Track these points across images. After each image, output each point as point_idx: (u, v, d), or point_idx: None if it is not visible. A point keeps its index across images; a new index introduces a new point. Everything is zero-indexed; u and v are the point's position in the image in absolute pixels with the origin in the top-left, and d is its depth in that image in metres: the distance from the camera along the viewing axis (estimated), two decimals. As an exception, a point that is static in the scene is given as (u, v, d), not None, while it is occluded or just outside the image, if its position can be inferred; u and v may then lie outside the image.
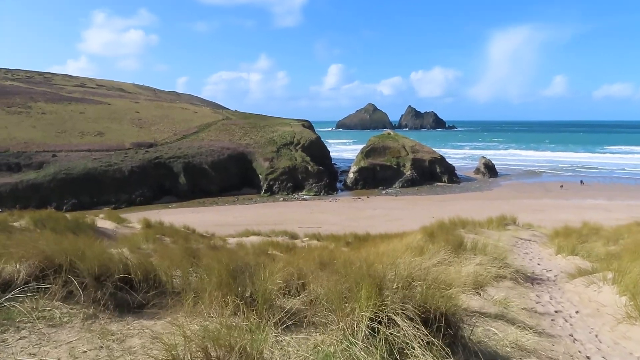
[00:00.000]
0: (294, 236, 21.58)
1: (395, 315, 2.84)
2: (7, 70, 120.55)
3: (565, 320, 4.62)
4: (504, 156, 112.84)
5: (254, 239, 19.46)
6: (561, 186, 65.51)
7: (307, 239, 21.33)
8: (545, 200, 54.72)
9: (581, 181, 70.37)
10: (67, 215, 17.54)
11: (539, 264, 8.03)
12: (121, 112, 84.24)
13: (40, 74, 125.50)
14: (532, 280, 6.34)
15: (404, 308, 2.88)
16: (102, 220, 17.85)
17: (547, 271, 7.26)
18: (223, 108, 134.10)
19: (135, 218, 20.90)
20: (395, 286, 4.40)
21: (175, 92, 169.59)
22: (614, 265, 5.95)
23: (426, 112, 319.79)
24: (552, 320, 4.59)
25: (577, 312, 4.87)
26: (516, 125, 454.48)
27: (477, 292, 4.65)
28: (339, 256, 8.01)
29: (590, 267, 6.49)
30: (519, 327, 3.95)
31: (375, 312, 2.84)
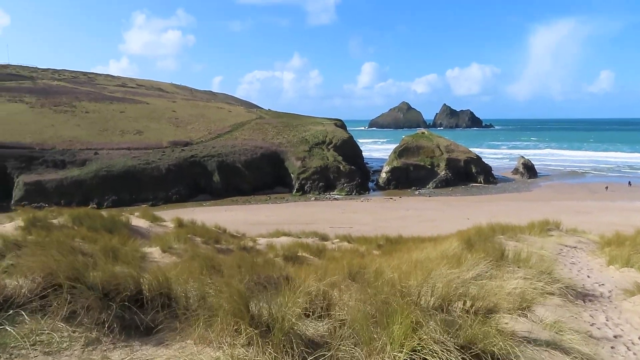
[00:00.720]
0: (324, 237, 21.20)
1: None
2: (54, 71, 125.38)
3: (628, 348, 4.05)
4: (544, 156, 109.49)
5: (284, 239, 19.16)
6: (606, 187, 62.81)
7: (338, 240, 20.92)
8: (588, 202, 52.60)
9: (629, 182, 67.42)
10: (104, 213, 17.66)
11: (588, 277, 7.36)
12: (159, 111, 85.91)
13: (85, 74, 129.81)
14: (583, 296, 5.74)
15: (446, 349, 2.41)
16: (137, 219, 17.89)
17: (599, 285, 6.61)
18: (257, 107, 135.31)
19: (171, 216, 20.98)
20: (432, 307, 3.94)
21: (211, 91, 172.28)
22: (679, 283, 5.30)
23: (462, 110, 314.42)
24: (611, 347, 4.04)
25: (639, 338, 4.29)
26: (558, 123, 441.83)
27: (524, 313, 4.13)
28: (369, 263, 7.56)
29: (651, 282, 5.83)
30: (575, 358, 3.42)
31: (411, 356, 2.38)
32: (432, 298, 4.07)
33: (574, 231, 15.46)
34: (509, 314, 4.07)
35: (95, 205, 51.48)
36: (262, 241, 18.73)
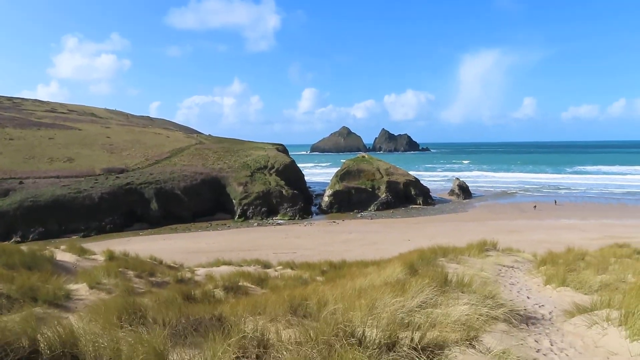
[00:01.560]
0: (267, 265, 20.67)
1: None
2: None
3: (575, 376, 3.99)
4: (477, 177, 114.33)
5: (224, 269, 18.48)
6: (535, 206, 66.16)
7: (281, 267, 20.45)
8: (520, 221, 54.99)
9: (555, 201, 71.31)
10: (25, 247, 16.35)
11: (528, 298, 7.42)
12: (92, 137, 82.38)
13: (9, 99, 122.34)
14: (526, 319, 5.70)
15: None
16: (62, 253, 16.70)
17: (539, 307, 6.64)
18: (196, 132, 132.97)
19: (103, 247, 19.83)
20: (378, 344, 3.69)
21: (149, 116, 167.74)
22: (616, 302, 5.37)
23: (400, 134, 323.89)
24: (559, 376, 3.95)
25: (585, 364, 4.24)
26: (488, 146, 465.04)
27: (472, 344, 3.98)
28: (312, 293, 7.27)
29: (589, 302, 5.89)
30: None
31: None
32: (378, 333, 3.84)
33: (509, 250, 15.89)
34: (457, 345, 3.90)
35: (19, 239, 48.12)
36: (201, 271, 17.97)
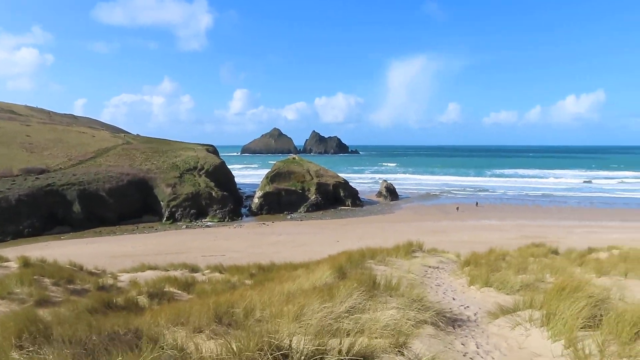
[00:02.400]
0: (194, 269, 19.94)
1: None
2: None
3: (501, 379, 3.99)
4: (404, 179, 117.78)
5: (149, 274, 17.62)
6: (457, 208, 69.05)
7: (209, 271, 19.80)
8: (444, 222, 57.11)
9: (476, 203, 74.83)
10: None
11: (454, 299, 7.53)
12: (9, 135, 76.24)
13: None
14: (453, 322, 5.73)
15: None
16: (-33, 261, 15.25)
17: (465, 308, 6.74)
18: (124, 132, 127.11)
19: (19, 253, 18.35)
20: (306, 356, 3.48)
21: (73, 114, 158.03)
22: (537, 302, 5.52)
23: (330, 137, 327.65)
24: (486, 380, 3.94)
25: (511, 367, 4.27)
26: (415, 149, 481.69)
27: (401, 351, 3.88)
28: (239, 299, 6.96)
29: (512, 302, 6.03)
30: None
31: None
32: (306, 342, 3.63)
33: (435, 251, 16.31)
34: (387, 353, 3.78)
35: None
36: (125, 277, 17.04)
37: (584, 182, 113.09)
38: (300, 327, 4.60)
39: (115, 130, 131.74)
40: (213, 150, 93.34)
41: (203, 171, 73.08)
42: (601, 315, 4.49)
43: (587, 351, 3.89)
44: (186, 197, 64.47)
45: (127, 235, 53.01)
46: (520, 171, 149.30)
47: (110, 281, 15.54)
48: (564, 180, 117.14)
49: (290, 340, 3.57)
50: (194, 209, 63.72)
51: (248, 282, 15.41)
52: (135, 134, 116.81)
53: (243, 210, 71.71)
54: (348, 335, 4.29)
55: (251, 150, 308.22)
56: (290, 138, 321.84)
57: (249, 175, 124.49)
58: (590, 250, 17.33)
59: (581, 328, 4.41)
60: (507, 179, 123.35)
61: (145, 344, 3.71)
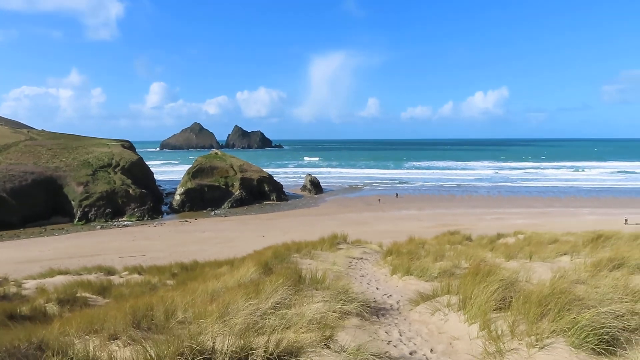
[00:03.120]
0: (111, 271, 19.00)
1: None
2: None
3: (423, 365, 4.15)
4: (328, 173, 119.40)
5: (60, 279, 16.54)
6: (379, 200, 71.11)
7: (127, 272, 18.96)
8: (367, 214, 58.59)
9: (396, 194, 77.43)
10: None
11: (377, 289, 7.74)
12: None
13: None
14: (377, 311, 5.89)
15: None
16: None
17: (388, 297, 6.94)
18: (27, 127, 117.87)
19: None
20: (230, 356, 3.41)
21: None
22: (454, 288, 5.80)
23: (253, 131, 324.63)
24: (409, 366, 4.07)
25: (431, 351, 4.44)
26: (337, 143, 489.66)
27: (327, 344, 3.91)
28: (159, 301, 6.70)
29: (431, 289, 6.29)
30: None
31: None
32: (231, 342, 3.56)
33: (358, 242, 16.70)
34: (313, 347, 3.79)
35: None
36: (31, 284, 15.87)
37: (494, 172, 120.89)
38: (224, 327, 4.51)
39: (16, 125, 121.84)
40: (129, 145, 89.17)
41: (119, 168, 69.67)
42: (511, 297, 4.79)
43: (499, 331, 4.14)
44: (100, 196, 61.23)
45: (34, 239, 49.34)
46: (436, 163, 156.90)
47: (13, 289, 14.44)
48: (475, 171, 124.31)
49: (214, 342, 3.48)
50: (110, 208, 60.70)
51: (170, 282, 14.91)
52: (40, 129, 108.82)
53: (164, 208, 69.27)
54: (275, 331, 4.26)
55: (171, 146, 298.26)
56: (212, 133, 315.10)
57: (170, 172, 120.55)
58: (499, 235, 18.52)
59: (494, 310, 4.69)
60: (424, 170, 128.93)
61: (50, 356, 3.46)
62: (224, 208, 68.69)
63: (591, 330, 3.65)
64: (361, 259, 11.93)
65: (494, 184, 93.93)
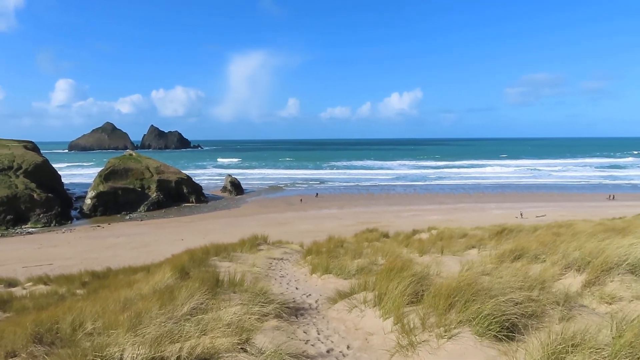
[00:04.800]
0: (12, 283, 17.56)
1: None
2: None
3: (339, 362, 4.22)
4: (249, 174, 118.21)
5: (-50, 294, 15.01)
6: (301, 200, 71.50)
7: (32, 283, 17.62)
8: (288, 214, 58.69)
9: (316, 194, 78.28)
10: None
11: (297, 289, 7.78)
12: None
13: None
14: (296, 311, 5.92)
15: None
16: None
17: (307, 297, 7.00)
18: None
19: None
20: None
21: None
22: (370, 284, 5.95)
23: (170, 131, 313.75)
24: (326, 364, 4.13)
25: (348, 348, 4.53)
26: (258, 143, 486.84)
27: (244, 348, 3.87)
28: (67, 312, 6.29)
29: (349, 286, 6.42)
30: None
31: None
32: (143, 352, 3.42)
33: (279, 243, 16.70)
34: (229, 352, 3.74)
35: None
36: None
37: (410, 171, 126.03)
38: (136, 337, 4.33)
39: None
40: (33, 147, 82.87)
41: (21, 171, 64.55)
42: (423, 290, 5.01)
43: (411, 325, 4.31)
44: (0, 202, 56.46)
45: None
46: (355, 162, 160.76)
47: None
48: (392, 171, 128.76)
49: (122, 353, 3.32)
50: (12, 215, 56.10)
51: (80, 292, 14.05)
52: None
53: (73, 213, 65.06)
54: (190, 338, 4.15)
55: (81, 147, 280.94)
56: (126, 133, 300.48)
57: (80, 175, 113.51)
58: (415, 232, 19.33)
59: (407, 304, 4.88)
60: (344, 170, 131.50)
61: None
62: (140, 211, 65.85)
63: (493, 319, 3.91)
64: (282, 259, 11.94)
65: (410, 183, 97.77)
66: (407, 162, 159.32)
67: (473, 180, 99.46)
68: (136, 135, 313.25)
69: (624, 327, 3.32)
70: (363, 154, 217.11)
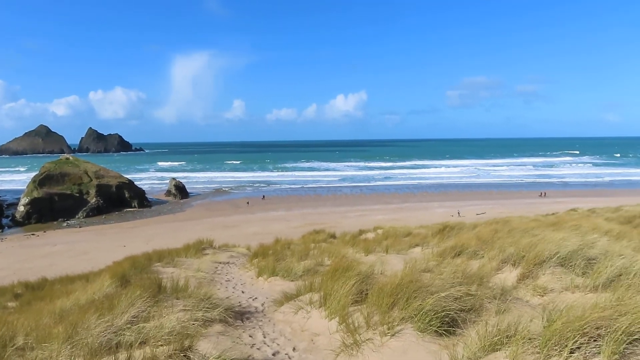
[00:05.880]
0: None
1: None
2: None
3: (285, 364, 4.21)
4: (194, 177, 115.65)
5: None
6: (247, 202, 70.79)
7: (-44, 298, 16.45)
8: (235, 217, 57.96)
9: (263, 196, 77.74)
10: None
11: (243, 292, 7.70)
12: None
13: None
14: (241, 315, 5.84)
15: None
16: None
17: (253, 300, 6.94)
18: None
19: None
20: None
21: None
22: (316, 285, 5.98)
23: (110, 134, 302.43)
24: (271, 367, 4.11)
25: (294, 350, 4.53)
26: (203, 146, 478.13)
27: (186, 355, 3.78)
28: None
29: (295, 288, 6.42)
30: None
31: None
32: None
33: (226, 246, 16.46)
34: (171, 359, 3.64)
35: None
36: None
37: (356, 172, 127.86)
38: (73, 349, 4.15)
39: None
40: (-42, 152, 77.76)
41: (-55, 178, 60.43)
42: (367, 289, 5.09)
43: (356, 324, 4.36)
44: None
45: None
46: (301, 164, 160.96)
47: None
48: (338, 172, 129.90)
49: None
50: None
51: (12, 304, 13.26)
52: None
53: (4, 221, 61.33)
54: (130, 348, 4.01)
55: (12, 151, 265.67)
56: (62, 136, 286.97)
57: (11, 181, 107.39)
58: (361, 232, 19.59)
59: (352, 304, 4.94)
60: (291, 172, 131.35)
61: None
62: (79, 218, 63.06)
63: (434, 315, 4.03)
64: (228, 263, 11.78)
65: (357, 184, 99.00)
66: (353, 164, 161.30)
67: (418, 181, 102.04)
68: (73, 139, 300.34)
69: (554, 317, 3.50)
70: (310, 156, 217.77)
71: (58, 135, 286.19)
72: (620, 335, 3.10)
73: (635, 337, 3.13)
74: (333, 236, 18.75)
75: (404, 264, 6.75)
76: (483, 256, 7.31)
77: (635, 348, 3.13)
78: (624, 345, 3.09)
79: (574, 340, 3.15)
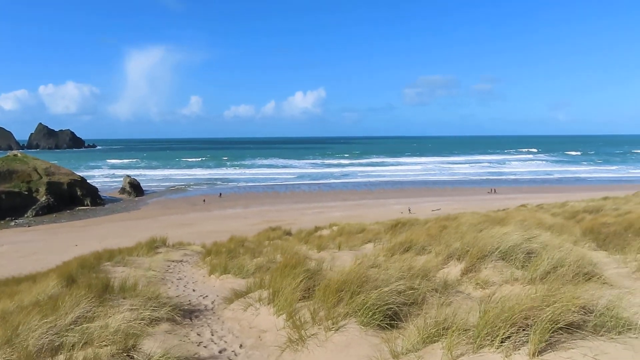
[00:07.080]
0: None
1: None
2: None
3: (231, 361, 4.24)
4: (149, 174, 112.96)
5: None
6: (204, 200, 69.76)
7: None
8: (191, 215, 57.09)
9: (220, 194, 76.84)
10: None
11: (194, 290, 7.65)
12: None
13: None
14: (190, 313, 5.83)
15: None
16: None
17: (203, 298, 6.92)
18: None
19: None
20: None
21: None
22: (266, 282, 6.02)
23: (61, 130, 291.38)
24: (217, 365, 4.13)
25: (241, 347, 4.56)
26: (159, 142, 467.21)
27: (129, 354, 3.76)
28: None
29: (245, 286, 6.44)
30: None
31: None
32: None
33: (180, 244, 16.24)
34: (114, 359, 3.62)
35: None
36: None
37: (314, 169, 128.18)
38: (12, 352, 4.05)
39: None
40: None
41: None
42: (314, 286, 5.17)
43: (302, 320, 4.44)
44: None
45: None
46: (260, 161, 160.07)
47: None
48: (296, 170, 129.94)
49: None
50: None
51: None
52: None
53: (-56, 221, 58.37)
54: (72, 349, 3.95)
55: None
56: (9, 132, 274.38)
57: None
58: (317, 228, 19.73)
59: (300, 300, 5.01)
60: (249, 169, 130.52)
61: None
62: (28, 217, 60.54)
63: (377, 309, 4.15)
64: (181, 261, 11.65)
65: (316, 181, 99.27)
66: (312, 161, 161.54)
67: (375, 178, 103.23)
68: (22, 134, 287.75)
69: (489, 309, 3.68)
70: (268, 153, 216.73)
71: (5, 130, 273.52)
72: (546, 324, 3.28)
73: (559, 324, 3.32)
74: (289, 233, 18.82)
75: (354, 260, 6.88)
76: (430, 251, 7.53)
77: (560, 336, 3.33)
78: (549, 334, 3.27)
79: (504, 330, 3.31)
